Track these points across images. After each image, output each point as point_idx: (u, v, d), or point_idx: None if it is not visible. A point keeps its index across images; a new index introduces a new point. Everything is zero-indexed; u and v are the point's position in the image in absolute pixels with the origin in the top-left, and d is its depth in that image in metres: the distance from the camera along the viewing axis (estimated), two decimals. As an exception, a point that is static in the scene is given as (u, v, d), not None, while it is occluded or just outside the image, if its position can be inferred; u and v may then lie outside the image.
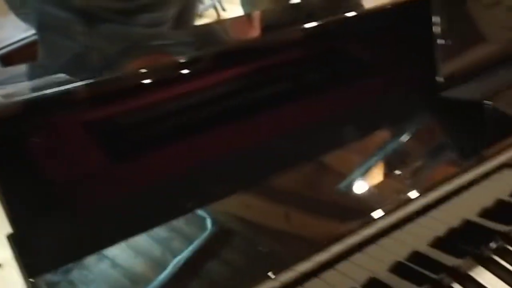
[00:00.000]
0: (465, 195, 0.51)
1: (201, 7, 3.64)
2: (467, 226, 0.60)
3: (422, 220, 0.51)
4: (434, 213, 0.51)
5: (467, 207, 0.55)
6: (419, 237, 0.55)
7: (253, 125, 0.50)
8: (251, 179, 0.47)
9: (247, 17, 0.94)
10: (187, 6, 1.09)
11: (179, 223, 0.43)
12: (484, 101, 0.44)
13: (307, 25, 0.46)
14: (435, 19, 0.44)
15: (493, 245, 0.61)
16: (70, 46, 0.93)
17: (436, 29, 0.45)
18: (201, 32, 0.78)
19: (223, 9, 3.57)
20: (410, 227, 0.50)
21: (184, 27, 1.07)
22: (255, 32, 0.64)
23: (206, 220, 0.44)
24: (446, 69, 0.45)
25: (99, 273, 0.39)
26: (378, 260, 0.53)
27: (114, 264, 0.40)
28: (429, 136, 0.45)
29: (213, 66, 0.56)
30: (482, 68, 0.48)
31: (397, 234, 0.49)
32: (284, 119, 0.48)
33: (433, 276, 0.55)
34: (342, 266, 0.48)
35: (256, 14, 0.82)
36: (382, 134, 0.46)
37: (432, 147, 0.45)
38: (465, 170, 0.44)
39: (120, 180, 0.48)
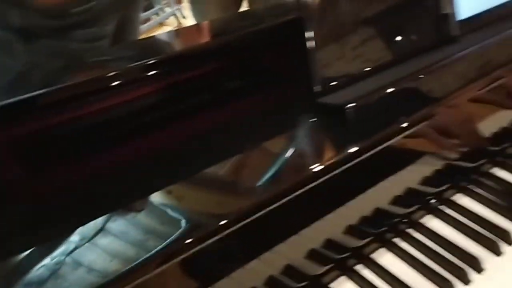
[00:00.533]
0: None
1: (162, 15, 3.68)
2: (376, 213, 0.67)
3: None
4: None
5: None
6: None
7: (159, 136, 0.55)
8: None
9: (184, 30, 0.99)
10: (126, 21, 1.14)
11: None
12: (347, 105, 0.50)
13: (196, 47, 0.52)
14: (309, 34, 0.51)
15: (395, 228, 0.68)
16: (12, 64, 0.97)
17: (310, 44, 0.51)
18: (137, 46, 0.83)
19: (183, 17, 3.62)
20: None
21: (125, 41, 1.12)
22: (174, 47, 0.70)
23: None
24: (321, 79, 0.52)
25: None
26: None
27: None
28: (304, 138, 0.51)
29: (135, 80, 0.61)
30: (355, 76, 0.54)
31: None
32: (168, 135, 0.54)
33: (338, 256, 0.61)
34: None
35: (185, 29, 0.87)
36: (268, 144, 0.51)
37: (303, 150, 0.51)
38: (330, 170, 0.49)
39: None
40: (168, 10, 3.61)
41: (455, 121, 0.66)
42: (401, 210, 0.70)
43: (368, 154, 0.51)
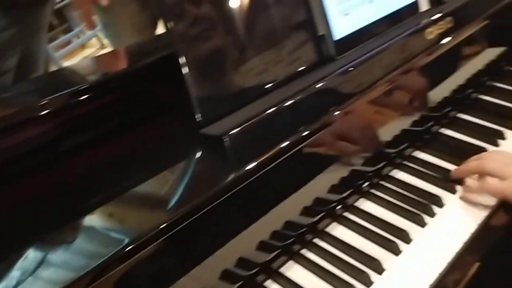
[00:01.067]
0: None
1: (82, 37, 3.61)
2: (287, 225, 0.69)
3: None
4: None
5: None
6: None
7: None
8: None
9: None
10: (29, 54, 1.11)
11: None
12: (226, 135, 0.52)
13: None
14: (185, 70, 0.52)
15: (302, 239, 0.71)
16: None
17: (189, 77, 0.52)
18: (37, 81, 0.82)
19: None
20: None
21: (28, 76, 1.10)
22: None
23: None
24: (202, 110, 0.53)
25: None
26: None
27: None
28: (186, 171, 0.53)
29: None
30: (236, 104, 0.57)
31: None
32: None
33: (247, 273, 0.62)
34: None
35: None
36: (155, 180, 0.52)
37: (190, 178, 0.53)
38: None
39: None
40: (89, 32, 3.54)
41: (342, 134, 0.70)
42: (308, 221, 0.73)
43: (252, 179, 0.53)
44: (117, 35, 1.74)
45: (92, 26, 1.93)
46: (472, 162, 0.77)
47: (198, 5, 0.57)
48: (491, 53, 1.04)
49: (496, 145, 0.88)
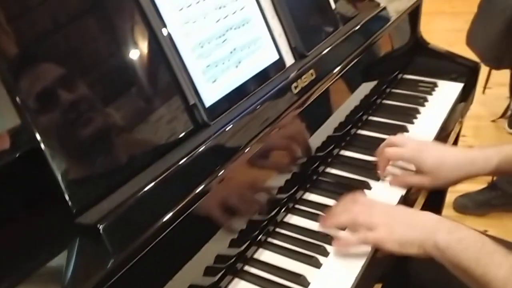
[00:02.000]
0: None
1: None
2: None
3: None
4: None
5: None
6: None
7: None
8: None
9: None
10: None
11: None
12: (98, 224, 0.53)
13: None
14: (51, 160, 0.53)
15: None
16: None
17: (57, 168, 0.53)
18: None
19: None
20: None
21: None
22: None
23: None
24: (75, 198, 0.54)
25: None
26: None
27: None
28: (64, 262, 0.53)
29: None
30: (110, 189, 0.58)
31: None
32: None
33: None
34: None
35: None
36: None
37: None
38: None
39: None
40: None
41: (230, 194, 0.73)
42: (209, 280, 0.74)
43: (135, 260, 0.54)
44: None
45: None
46: (343, 216, 0.81)
47: (59, 89, 0.58)
48: (361, 91, 1.14)
49: (377, 179, 0.96)
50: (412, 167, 0.94)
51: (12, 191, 0.55)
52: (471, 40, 2.07)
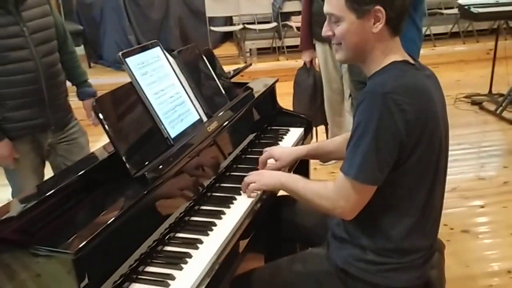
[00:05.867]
0: None
1: None
2: None
3: None
4: None
5: None
6: None
7: None
8: None
9: None
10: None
11: None
12: (145, 173, 1.39)
13: None
14: None
15: None
16: None
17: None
18: None
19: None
20: None
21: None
22: None
23: None
24: (131, 167, 1.39)
25: None
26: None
27: None
28: None
29: None
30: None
31: None
32: None
33: None
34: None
35: None
36: None
37: None
38: None
39: None
40: None
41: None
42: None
43: None
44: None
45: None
46: (248, 178, 1.68)
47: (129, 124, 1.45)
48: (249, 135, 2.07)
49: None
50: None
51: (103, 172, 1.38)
52: (295, 107, 3.27)
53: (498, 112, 4.28)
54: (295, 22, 6.01)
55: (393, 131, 1.25)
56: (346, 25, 1.33)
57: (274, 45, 6.26)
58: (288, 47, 6.16)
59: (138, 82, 1.55)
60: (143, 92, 1.56)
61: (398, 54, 1.37)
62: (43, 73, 2.08)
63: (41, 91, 2.09)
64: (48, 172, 2.33)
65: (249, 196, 1.65)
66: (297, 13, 6.22)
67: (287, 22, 6.09)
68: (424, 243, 1.43)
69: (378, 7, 1.29)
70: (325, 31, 1.40)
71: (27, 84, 2.06)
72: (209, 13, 6.02)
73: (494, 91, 4.60)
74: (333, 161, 3.53)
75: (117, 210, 1.26)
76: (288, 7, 6.25)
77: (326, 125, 3.50)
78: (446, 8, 6.22)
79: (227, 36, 6.79)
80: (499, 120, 4.23)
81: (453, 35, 6.42)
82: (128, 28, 5.99)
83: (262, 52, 6.21)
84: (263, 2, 6.05)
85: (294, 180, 1.54)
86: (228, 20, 6.44)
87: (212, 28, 6.09)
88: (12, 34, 2.00)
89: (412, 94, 1.28)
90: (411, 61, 1.39)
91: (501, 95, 4.46)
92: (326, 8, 1.36)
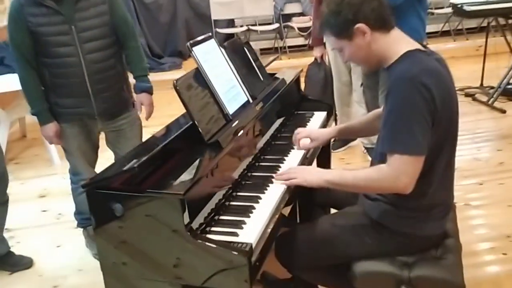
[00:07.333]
0: None
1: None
2: None
3: None
4: None
5: None
6: None
7: None
8: None
9: None
10: None
11: None
12: (213, 139, 1.69)
13: None
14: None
15: None
16: None
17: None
18: None
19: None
20: None
21: None
22: None
23: None
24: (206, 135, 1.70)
25: None
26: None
27: None
28: None
29: None
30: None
31: None
32: None
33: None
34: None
35: None
36: None
37: None
38: None
39: None
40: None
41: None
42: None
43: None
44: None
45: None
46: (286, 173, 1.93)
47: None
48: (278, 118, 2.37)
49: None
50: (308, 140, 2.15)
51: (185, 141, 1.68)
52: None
53: (489, 102, 4.64)
54: (296, 23, 6.37)
55: (425, 105, 1.50)
56: (347, 49, 1.64)
57: (276, 45, 6.60)
58: (289, 47, 6.51)
59: (203, 67, 1.86)
60: (207, 75, 1.86)
61: (406, 43, 1.61)
62: (86, 68, 2.32)
63: (83, 84, 2.34)
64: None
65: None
66: (298, 14, 6.60)
67: (289, 23, 6.44)
68: (445, 198, 1.72)
69: (356, 26, 1.56)
70: (342, 59, 1.74)
71: (71, 77, 2.33)
72: (214, 16, 6.35)
73: (485, 84, 4.98)
74: (343, 148, 3.87)
75: (206, 163, 1.60)
76: (289, 9, 6.60)
77: (334, 115, 3.83)
78: (436, 8, 6.63)
79: (231, 38, 7.10)
80: (491, 109, 4.59)
81: (444, 34, 6.84)
82: (139, 31, 6.28)
83: (265, 52, 6.55)
84: (265, 4, 6.39)
85: (340, 174, 1.76)
86: (231, 22, 6.77)
87: (217, 30, 6.41)
88: (61, 32, 2.27)
89: (433, 75, 1.53)
90: (422, 48, 1.63)
91: (492, 87, 4.83)
92: (329, 45, 1.71)
